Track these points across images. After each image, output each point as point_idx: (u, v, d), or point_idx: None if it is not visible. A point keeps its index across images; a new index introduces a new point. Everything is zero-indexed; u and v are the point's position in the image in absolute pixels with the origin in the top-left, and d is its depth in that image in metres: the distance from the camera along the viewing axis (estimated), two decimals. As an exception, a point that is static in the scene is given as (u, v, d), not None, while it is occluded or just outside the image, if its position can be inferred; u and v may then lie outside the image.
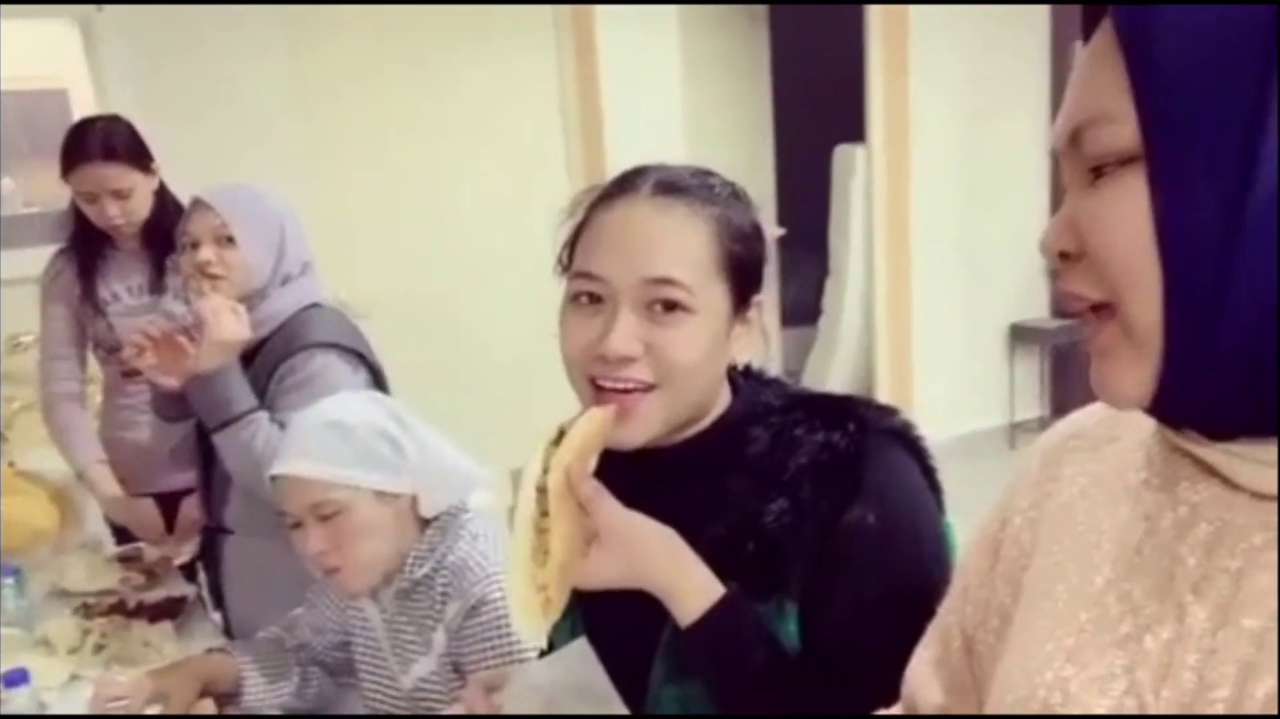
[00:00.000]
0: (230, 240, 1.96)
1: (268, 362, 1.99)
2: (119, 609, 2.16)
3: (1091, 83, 0.57)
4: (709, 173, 1.09)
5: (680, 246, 1.01)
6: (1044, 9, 5.14)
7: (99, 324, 2.56)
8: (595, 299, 1.03)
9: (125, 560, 2.45)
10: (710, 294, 1.02)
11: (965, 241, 5.25)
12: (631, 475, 1.03)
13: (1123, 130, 0.55)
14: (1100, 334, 0.58)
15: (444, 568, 1.58)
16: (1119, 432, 0.70)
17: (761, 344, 1.10)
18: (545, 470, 0.95)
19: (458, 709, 1.22)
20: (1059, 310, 5.48)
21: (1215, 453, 0.58)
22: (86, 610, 2.16)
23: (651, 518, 1.00)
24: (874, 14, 4.84)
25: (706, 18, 4.74)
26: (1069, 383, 5.31)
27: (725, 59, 5.04)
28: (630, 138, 4.29)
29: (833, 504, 0.99)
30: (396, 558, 1.58)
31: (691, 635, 0.97)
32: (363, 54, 3.95)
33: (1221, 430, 0.57)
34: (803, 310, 6.01)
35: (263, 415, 1.92)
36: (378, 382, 2.06)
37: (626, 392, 1.01)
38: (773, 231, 5.47)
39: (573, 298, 1.06)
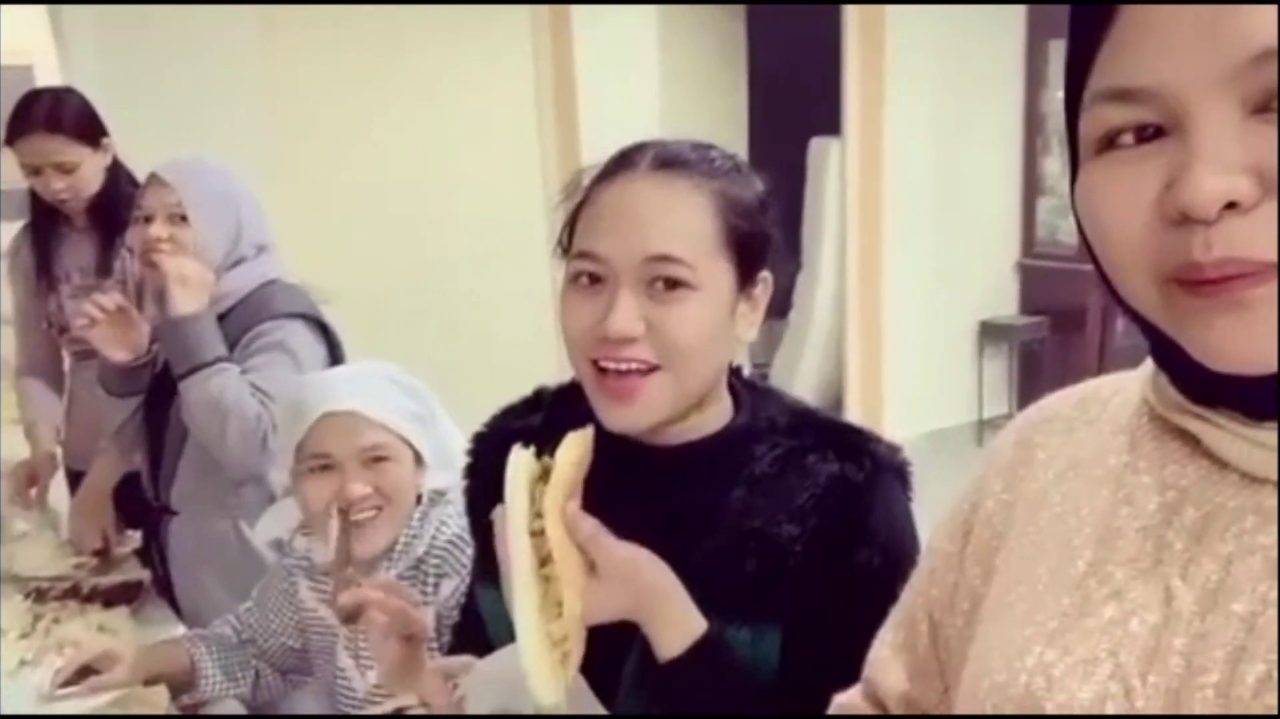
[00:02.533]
0: (184, 219, 1.94)
1: (231, 332, 1.97)
2: (73, 594, 2.12)
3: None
4: (710, 146, 1.06)
5: (680, 222, 0.99)
6: (1021, 8, 5.16)
7: (51, 302, 2.52)
8: (595, 279, 1.00)
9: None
10: (713, 270, 0.99)
11: (937, 238, 5.27)
12: (632, 474, 1.02)
13: None
14: (1255, 290, 0.50)
15: (438, 545, 1.56)
16: (1095, 414, 0.68)
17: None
18: (538, 514, 0.90)
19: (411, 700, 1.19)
20: (1029, 308, 5.51)
21: (1215, 432, 0.57)
22: (39, 595, 2.12)
23: (649, 519, 0.98)
24: (851, 9, 4.84)
25: (684, 12, 4.73)
26: (1037, 381, 5.33)
27: (702, 53, 5.03)
28: (607, 131, 4.24)
29: (840, 541, 0.97)
30: (398, 531, 1.56)
31: (669, 670, 0.95)
32: (336, 41, 3.91)
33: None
34: (773, 304, 5.97)
35: (234, 367, 1.90)
36: (335, 358, 2.06)
37: (628, 373, 0.98)
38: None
39: (573, 279, 1.02)
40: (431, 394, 1.64)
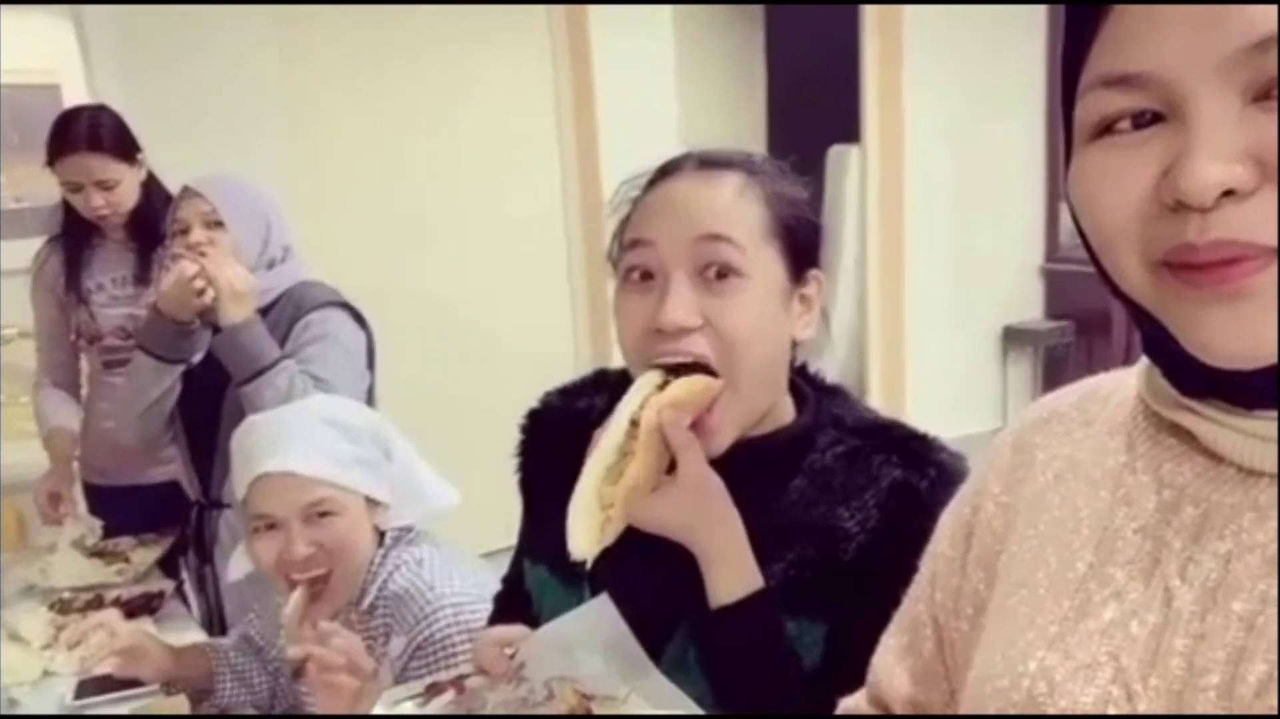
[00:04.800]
0: (219, 224, 2.05)
1: (278, 324, 2.07)
2: (96, 605, 2.14)
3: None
4: (751, 153, 1.07)
5: (729, 208, 0.99)
6: (1041, 11, 5.13)
7: (81, 313, 2.56)
8: (647, 276, 1.00)
9: (104, 555, 2.43)
10: (762, 259, 0.99)
11: (959, 243, 5.24)
12: None
13: None
14: (1253, 278, 0.49)
15: (385, 597, 1.50)
16: (1093, 414, 0.68)
17: (823, 325, 1.07)
18: (641, 406, 0.94)
19: (465, 669, 1.17)
20: (1053, 312, 5.47)
21: (1208, 426, 0.57)
22: (63, 606, 2.14)
23: None
24: (869, 14, 4.82)
25: (701, 17, 4.73)
26: (1063, 385, 5.29)
27: (720, 59, 5.03)
28: (625, 137, 4.26)
29: (898, 545, 0.93)
30: (360, 577, 1.51)
31: (721, 616, 0.95)
32: (355, 51, 3.93)
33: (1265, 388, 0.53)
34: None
35: (293, 363, 1.99)
36: (370, 346, 2.18)
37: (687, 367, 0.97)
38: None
39: (624, 277, 1.02)
40: (385, 427, 1.57)
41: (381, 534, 1.54)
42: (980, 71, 5.07)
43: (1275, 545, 0.53)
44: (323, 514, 1.46)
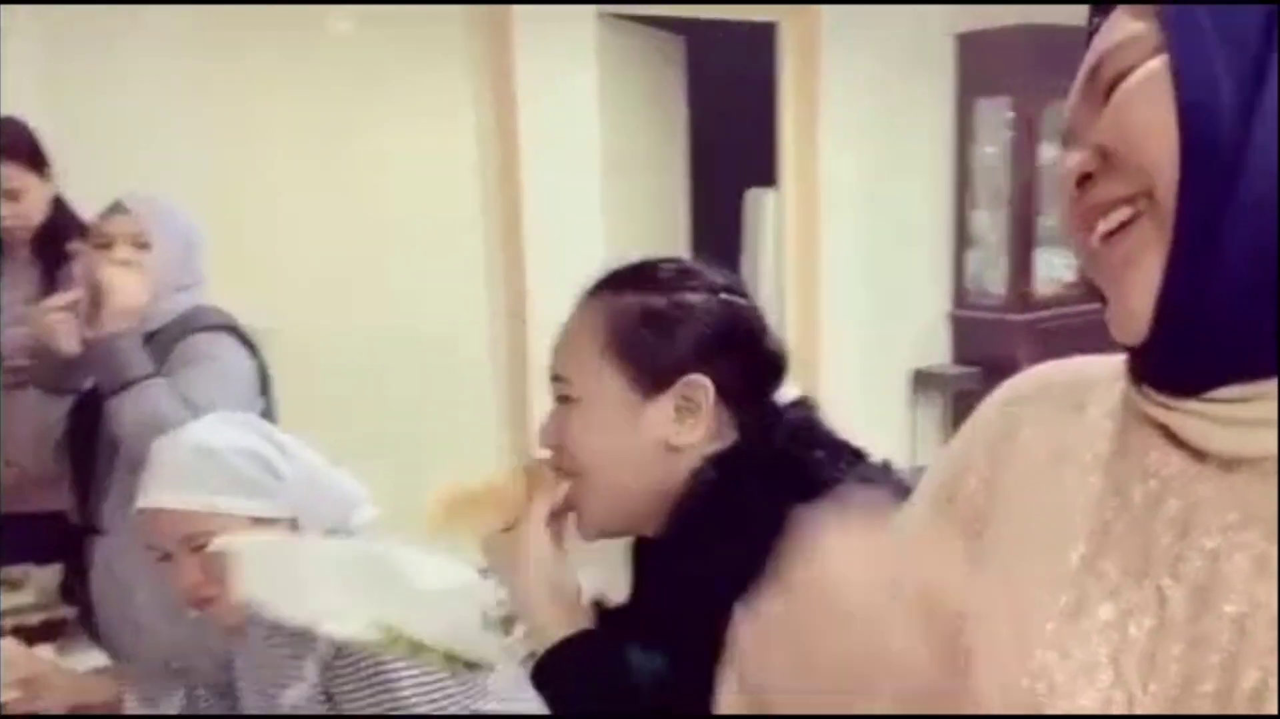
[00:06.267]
0: (145, 246, 2.01)
1: (163, 343, 2.01)
2: (-6, 633, 2.08)
3: (1114, 29, 0.61)
4: (666, 261, 1.11)
5: (572, 343, 1.08)
6: (950, 65, 5.32)
7: None
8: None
9: (2, 583, 2.35)
10: (597, 379, 1.05)
11: (871, 289, 5.37)
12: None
13: (1145, 45, 0.58)
14: (1125, 242, 0.59)
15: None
16: (1085, 399, 0.68)
17: (708, 425, 1.05)
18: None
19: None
20: (961, 358, 5.62)
21: (1182, 417, 0.58)
22: (-41, 634, 2.07)
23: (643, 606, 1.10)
24: (786, 63, 4.98)
25: (625, 56, 4.80)
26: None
27: (642, 99, 5.10)
28: (547, 175, 4.30)
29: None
30: None
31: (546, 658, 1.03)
32: (274, 78, 3.91)
33: (1205, 373, 0.57)
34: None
35: (164, 381, 1.93)
36: (263, 377, 2.12)
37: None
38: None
39: None
40: (273, 442, 1.55)
41: None
42: (892, 123, 5.23)
43: (1265, 547, 0.55)
44: (202, 544, 1.44)
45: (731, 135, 5.86)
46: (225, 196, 3.52)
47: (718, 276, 1.10)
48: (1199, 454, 0.58)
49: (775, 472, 1.03)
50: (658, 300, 1.05)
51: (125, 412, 1.89)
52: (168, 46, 3.62)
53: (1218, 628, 0.55)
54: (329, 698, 1.51)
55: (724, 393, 1.05)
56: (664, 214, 5.40)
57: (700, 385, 1.03)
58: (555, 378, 1.08)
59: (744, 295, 1.11)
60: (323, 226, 4.03)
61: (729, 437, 1.06)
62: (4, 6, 3.29)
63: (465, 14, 4.22)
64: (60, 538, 2.39)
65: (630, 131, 4.88)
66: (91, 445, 2.01)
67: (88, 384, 2.07)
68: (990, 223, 5.53)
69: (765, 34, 5.00)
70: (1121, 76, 0.58)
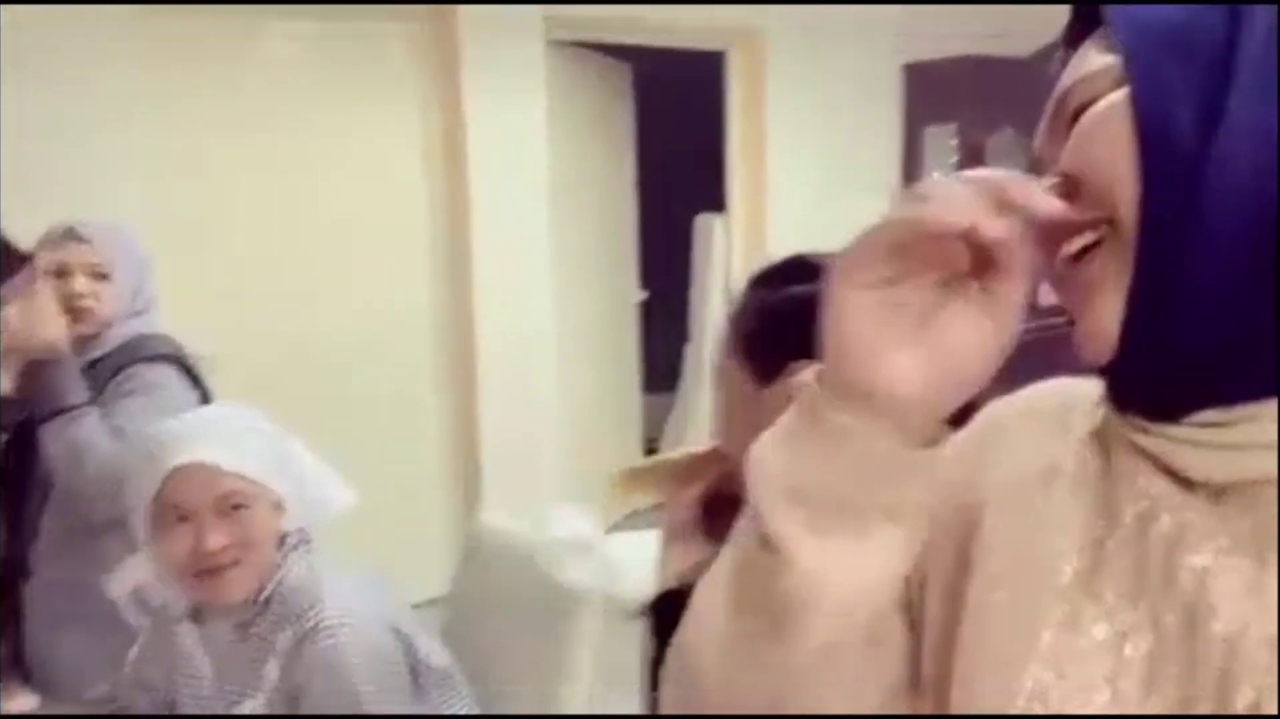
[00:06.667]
0: (103, 277, 1.99)
1: (105, 370, 1.98)
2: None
3: (1082, 61, 0.63)
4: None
5: None
6: (897, 93, 5.39)
7: None
8: None
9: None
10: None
11: (820, 313, 5.39)
12: None
13: (1110, 76, 0.60)
14: (1090, 266, 0.60)
15: (279, 591, 1.54)
16: (1071, 421, 0.68)
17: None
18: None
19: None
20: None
21: (1161, 443, 0.59)
22: (-118, 677, 1.99)
23: None
24: (734, 91, 5.01)
25: (574, 82, 4.80)
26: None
27: (591, 125, 5.10)
28: (496, 201, 4.29)
29: None
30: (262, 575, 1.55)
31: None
32: (218, 89, 3.86)
33: (1178, 397, 0.57)
34: (662, 376, 6.06)
35: (95, 410, 1.89)
36: (206, 401, 2.09)
37: None
38: (635, 295, 5.54)
39: None
40: (288, 436, 1.65)
41: (282, 538, 1.59)
42: (841, 154, 5.28)
43: (1255, 573, 0.55)
44: (235, 506, 1.50)
45: (680, 161, 5.89)
46: (168, 223, 3.45)
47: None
48: (1186, 482, 0.59)
49: None
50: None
51: (51, 440, 1.86)
52: (104, 62, 3.56)
53: (1209, 649, 0.55)
54: (291, 699, 1.51)
55: None
56: (613, 240, 5.42)
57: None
58: None
59: None
60: (269, 250, 3.98)
61: None
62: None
63: (412, 39, 4.21)
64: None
65: (579, 158, 4.88)
66: (24, 484, 1.96)
67: (21, 417, 2.01)
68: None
69: (713, 62, 5.03)
70: (1085, 107, 0.61)
